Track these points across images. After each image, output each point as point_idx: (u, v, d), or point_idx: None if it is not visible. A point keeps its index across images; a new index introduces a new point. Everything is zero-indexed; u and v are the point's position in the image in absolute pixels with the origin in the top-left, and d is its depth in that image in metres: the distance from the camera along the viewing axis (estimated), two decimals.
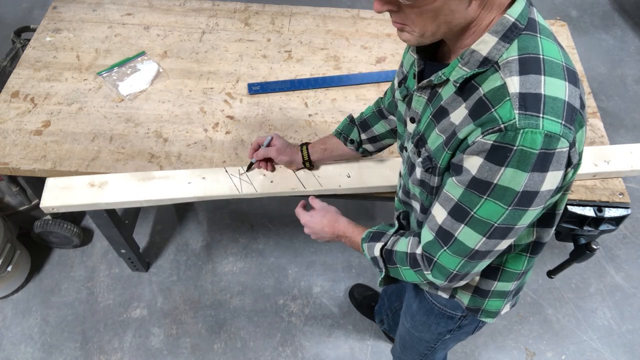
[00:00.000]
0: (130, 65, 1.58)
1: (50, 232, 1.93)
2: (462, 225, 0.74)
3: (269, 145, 1.29)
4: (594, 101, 1.58)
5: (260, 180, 1.32)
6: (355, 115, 1.23)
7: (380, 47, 1.70)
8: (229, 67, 1.61)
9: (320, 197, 1.35)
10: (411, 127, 0.87)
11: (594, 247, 1.29)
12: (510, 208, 0.69)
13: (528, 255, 0.91)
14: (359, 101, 1.54)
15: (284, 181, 1.32)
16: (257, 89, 1.54)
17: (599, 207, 1.31)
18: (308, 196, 1.34)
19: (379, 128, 1.16)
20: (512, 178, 0.66)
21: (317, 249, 2.14)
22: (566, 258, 1.41)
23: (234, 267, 2.08)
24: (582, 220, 1.31)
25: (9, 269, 1.83)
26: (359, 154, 1.25)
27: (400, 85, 0.94)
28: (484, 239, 0.73)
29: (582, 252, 1.33)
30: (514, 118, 0.63)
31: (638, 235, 2.24)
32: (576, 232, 1.35)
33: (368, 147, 1.22)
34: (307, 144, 1.29)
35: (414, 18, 0.70)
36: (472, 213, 0.72)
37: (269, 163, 1.32)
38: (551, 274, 1.49)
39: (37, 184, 1.67)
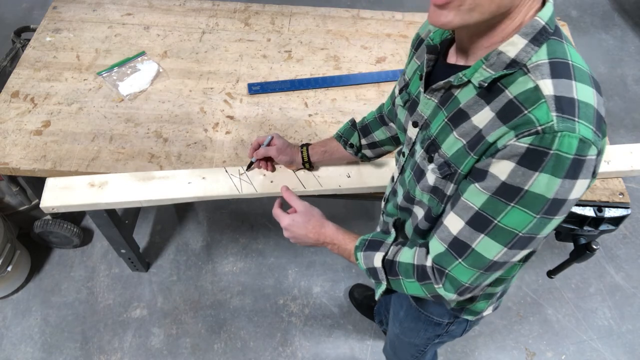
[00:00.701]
0: (130, 65, 1.58)
1: (50, 232, 1.93)
2: (482, 235, 0.71)
3: (269, 144, 1.29)
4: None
5: (260, 180, 1.32)
6: (358, 119, 1.22)
7: (380, 47, 1.70)
8: (229, 67, 1.61)
9: (321, 197, 1.36)
10: (413, 131, 0.85)
11: (594, 247, 1.29)
12: (538, 216, 0.66)
13: (521, 262, 0.89)
14: (359, 101, 1.54)
15: (284, 181, 1.32)
16: (257, 89, 1.54)
17: (599, 207, 1.31)
18: (308, 196, 1.34)
19: (380, 134, 1.14)
20: (545, 184, 0.63)
21: (317, 249, 2.14)
22: (566, 258, 1.41)
23: (234, 267, 2.08)
24: (582, 220, 1.31)
25: (9, 269, 1.83)
26: (358, 158, 1.24)
27: (401, 91, 0.92)
28: (505, 249, 0.71)
29: (582, 252, 1.33)
30: (552, 120, 0.61)
31: (638, 235, 2.24)
32: (576, 232, 1.35)
33: (367, 152, 1.20)
34: (307, 144, 1.29)
35: None
36: (496, 222, 0.69)
37: (269, 163, 1.32)
38: (551, 274, 1.49)
39: (37, 184, 1.67)
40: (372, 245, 0.91)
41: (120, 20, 1.73)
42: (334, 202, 2.18)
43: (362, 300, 1.95)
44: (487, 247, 0.72)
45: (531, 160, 0.63)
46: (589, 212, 1.30)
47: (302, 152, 1.27)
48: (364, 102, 1.53)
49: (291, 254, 2.12)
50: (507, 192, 0.66)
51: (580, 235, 1.36)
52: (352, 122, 1.20)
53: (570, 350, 1.91)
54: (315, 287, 2.03)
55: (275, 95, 1.54)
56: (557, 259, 1.87)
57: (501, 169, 0.66)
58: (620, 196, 1.33)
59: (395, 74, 1.60)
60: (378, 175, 1.33)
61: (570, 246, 1.39)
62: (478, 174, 0.70)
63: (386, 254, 0.88)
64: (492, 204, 0.68)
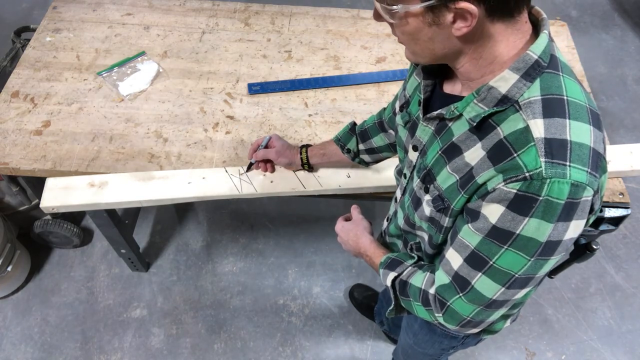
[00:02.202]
0: (130, 65, 1.58)
1: (50, 232, 1.93)
2: (480, 274, 0.70)
3: (267, 145, 1.28)
4: (594, 101, 1.57)
5: (260, 180, 1.32)
6: (358, 119, 1.21)
7: (380, 47, 1.70)
8: (229, 67, 1.61)
9: (321, 197, 1.36)
10: (413, 155, 0.84)
11: (594, 247, 1.29)
12: (533, 259, 0.66)
13: (535, 286, 0.89)
14: (359, 101, 1.54)
15: (284, 181, 1.32)
16: (257, 89, 1.54)
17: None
18: (308, 196, 1.34)
19: (378, 141, 1.13)
20: (536, 229, 0.63)
21: (317, 249, 2.14)
22: (566, 258, 1.41)
23: (234, 267, 2.08)
24: None
25: (9, 269, 1.83)
26: (356, 163, 1.23)
27: (402, 109, 0.90)
28: (503, 289, 0.70)
29: (582, 252, 1.33)
30: (540, 167, 0.60)
31: (638, 235, 2.24)
32: None
33: (365, 157, 1.20)
34: (307, 146, 1.28)
35: (399, 35, 0.70)
36: (491, 263, 0.68)
37: (268, 164, 1.32)
38: (551, 274, 1.49)
39: (37, 184, 1.67)
40: (392, 264, 0.91)
41: (120, 20, 1.73)
42: (334, 202, 2.17)
43: (362, 300, 1.95)
44: (485, 285, 0.71)
45: (520, 205, 0.62)
46: None
47: (301, 153, 1.27)
48: (364, 102, 1.53)
49: (291, 254, 2.12)
50: (499, 235, 0.66)
51: (580, 235, 1.35)
52: (352, 126, 1.19)
53: (570, 350, 1.91)
54: (315, 287, 2.03)
55: (275, 95, 1.54)
56: None
57: (491, 212, 0.65)
58: (620, 196, 1.33)
59: (395, 74, 1.60)
60: (378, 175, 1.33)
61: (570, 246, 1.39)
62: (471, 214, 0.69)
63: (400, 274, 0.88)
64: (486, 245, 0.68)
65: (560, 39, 1.75)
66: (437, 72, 0.79)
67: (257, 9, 1.81)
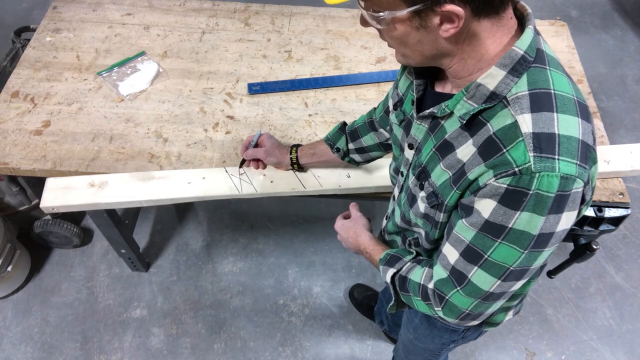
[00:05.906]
0: (130, 65, 1.58)
1: (50, 232, 1.93)
2: (476, 267, 0.71)
3: (257, 143, 1.30)
4: (594, 101, 1.58)
5: (260, 180, 1.32)
6: (350, 122, 1.21)
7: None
8: (229, 67, 1.61)
9: (321, 197, 1.36)
10: (409, 153, 0.85)
11: (594, 247, 1.29)
12: (526, 251, 0.67)
13: (534, 278, 0.89)
14: (359, 101, 1.54)
15: (284, 181, 1.32)
16: (257, 89, 1.54)
17: (599, 207, 1.31)
18: (308, 196, 1.34)
19: (368, 140, 1.14)
20: (528, 222, 0.64)
21: (317, 249, 2.14)
22: (566, 258, 1.41)
23: (234, 267, 2.08)
24: (582, 220, 1.31)
25: (9, 269, 1.83)
26: (346, 162, 1.23)
27: (395, 108, 0.91)
28: (499, 281, 0.71)
29: (582, 252, 1.33)
30: (529, 161, 0.61)
31: (638, 235, 2.24)
32: (576, 232, 1.35)
33: (355, 157, 1.20)
34: (298, 146, 1.28)
35: (388, 40, 0.71)
36: (486, 256, 0.69)
37: (259, 162, 1.33)
38: (551, 274, 1.49)
39: (37, 184, 1.67)
40: (391, 261, 0.91)
41: (120, 20, 1.73)
42: (334, 202, 2.17)
43: (362, 300, 1.95)
44: (482, 278, 0.72)
45: (511, 200, 0.63)
46: (589, 212, 1.30)
47: (291, 153, 1.27)
48: (364, 102, 1.53)
49: (291, 254, 2.12)
50: (492, 230, 0.67)
51: (580, 235, 1.36)
52: (342, 126, 1.19)
53: (570, 350, 1.91)
54: (315, 287, 2.03)
55: (275, 95, 1.54)
56: (557, 259, 1.88)
57: (484, 207, 0.66)
58: (620, 196, 1.33)
59: (395, 74, 1.60)
60: (378, 175, 1.33)
61: (570, 246, 1.39)
62: (465, 209, 0.70)
63: (399, 270, 0.89)
64: (480, 239, 0.69)
65: (560, 39, 1.75)
66: (428, 72, 0.80)
67: (257, 9, 1.81)
